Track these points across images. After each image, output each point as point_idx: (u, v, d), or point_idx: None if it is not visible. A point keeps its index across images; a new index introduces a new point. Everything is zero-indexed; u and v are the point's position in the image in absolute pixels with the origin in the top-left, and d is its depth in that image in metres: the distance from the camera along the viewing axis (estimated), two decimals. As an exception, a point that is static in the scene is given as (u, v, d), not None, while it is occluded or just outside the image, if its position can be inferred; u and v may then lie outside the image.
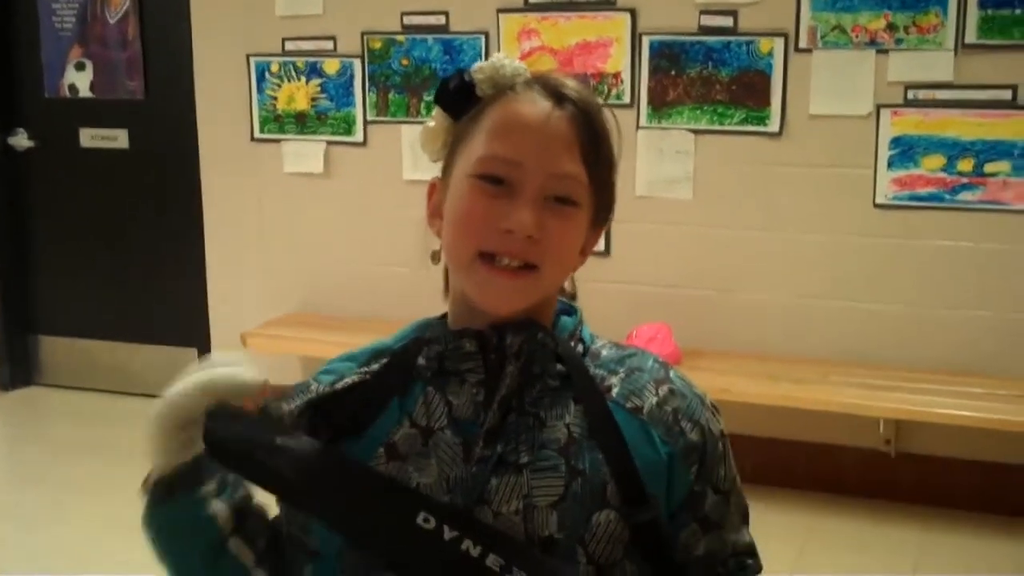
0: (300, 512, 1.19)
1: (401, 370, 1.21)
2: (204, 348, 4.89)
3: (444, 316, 1.25)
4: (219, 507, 1.21)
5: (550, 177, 1.14)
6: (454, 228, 1.17)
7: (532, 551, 1.10)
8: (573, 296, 1.28)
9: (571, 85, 1.18)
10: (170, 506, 1.20)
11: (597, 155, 1.17)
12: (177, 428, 1.18)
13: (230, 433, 1.17)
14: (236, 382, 1.20)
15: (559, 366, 1.17)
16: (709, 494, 1.19)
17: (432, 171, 1.27)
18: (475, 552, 1.07)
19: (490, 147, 1.15)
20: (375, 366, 1.22)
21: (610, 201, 1.22)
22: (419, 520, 1.09)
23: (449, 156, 1.21)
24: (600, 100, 1.22)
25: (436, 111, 1.23)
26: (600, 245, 4.02)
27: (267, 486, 1.19)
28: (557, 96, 1.16)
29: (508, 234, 1.12)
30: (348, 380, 1.21)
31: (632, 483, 1.13)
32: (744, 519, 1.25)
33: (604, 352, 1.23)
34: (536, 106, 1.16)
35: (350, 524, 1.13)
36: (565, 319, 1.23)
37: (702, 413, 1.20)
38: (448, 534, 1.08)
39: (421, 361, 1.20)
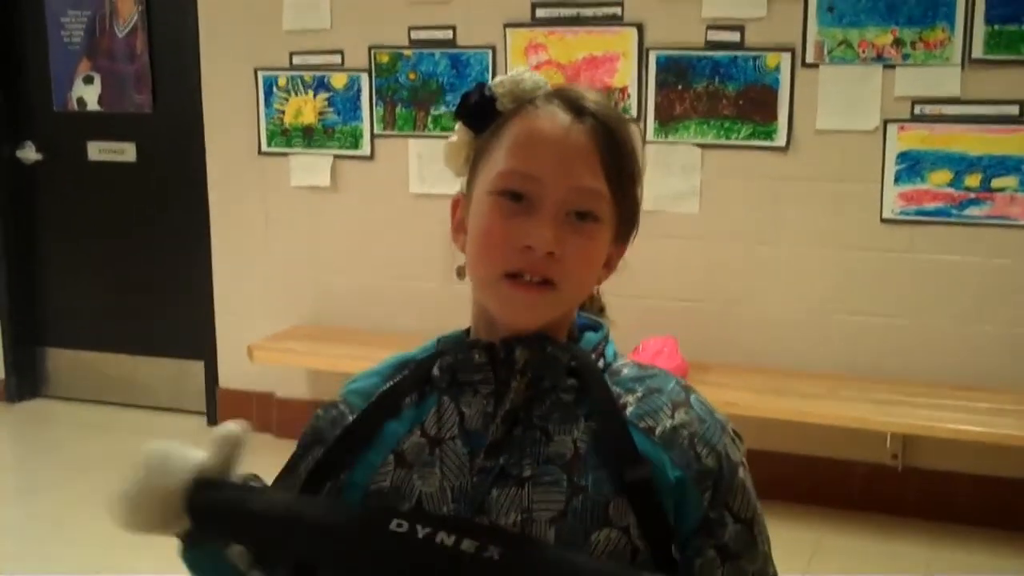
0: (290, 560, 1.19)
1: (417, 379, 1.21)
2: (211, 360, 4.90)
3: (469, 330, 1.25)
4: (235, 549, 1.21)
5: (570, 191, 1.13)
6: (476, 247, 1.17)
7: (508, 532, 1.10)
8: (601, 310, 1.27)
9: (591, 98, 1.17)
10: (189, 551, 1.21)
11: (619, 168, 1.16)
12: (149, 522, 1.17)
13: (211, 502, 1.16)
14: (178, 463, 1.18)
15: (571, 380, 1.17)
16: (729, 523, 1.15)
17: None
18: (449, 541, 1.05)
19: (509, 162, 1.14)
20: (399, 379, 1.23)
21: (634, 214, 1.22)
22: (392, 526, 1.08)
23: (472, 171, 1.21)
24: (623, 114, 1.21)
25: (458, 126, 1.22)
26: (607, 259, 4.05)
27: (251, 545, 1.19)
28: (577, 109, 1.15)
29: (528, 251, 1.12)
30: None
31: (661, 539, 1.11)
32: (768, 551, 1.20)
33: (625, 371, 1.21)
34: (555, 120, 1.15)
35: (328, 551, 1.12)
36: (590, 335, 1.23)
37: (720, 439, 1.17)
38: (421, 532, 1.07)
39: (435, 372, 1.20)
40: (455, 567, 1.05)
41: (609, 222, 1.17)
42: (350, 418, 1.22)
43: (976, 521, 3.79)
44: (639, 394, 1.18)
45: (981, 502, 3.81)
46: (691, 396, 1.20)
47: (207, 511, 1.16)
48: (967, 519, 3.80)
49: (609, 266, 1.22)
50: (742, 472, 1.18)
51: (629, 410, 1.16)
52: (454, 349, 1.20)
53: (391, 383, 1.23)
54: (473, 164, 1.21)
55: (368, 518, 1.12)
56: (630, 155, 1.18)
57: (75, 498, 4.12)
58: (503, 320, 1.16)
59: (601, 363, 1.20)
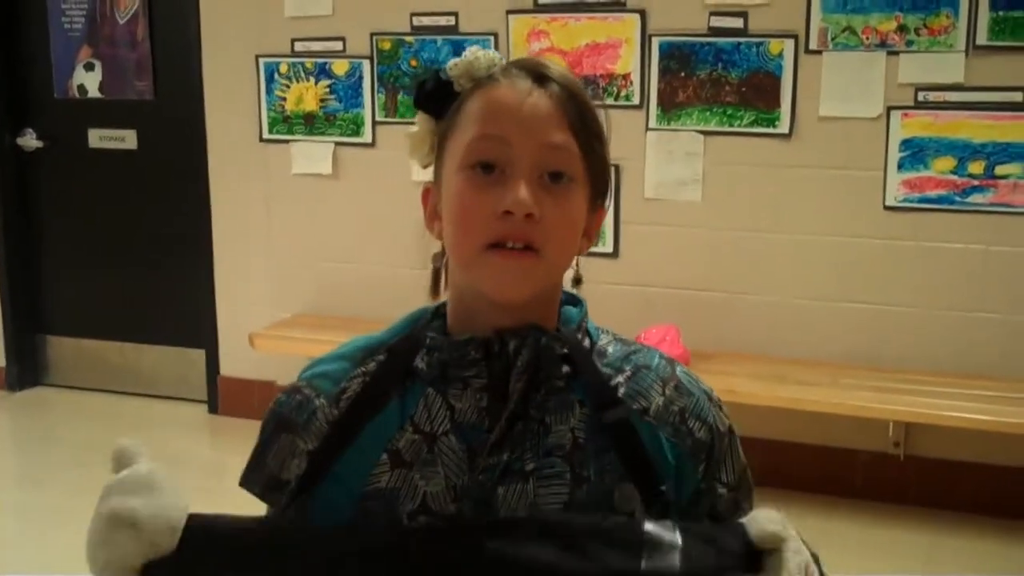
0: None
1: (399, 370, 1.18)
2: (212, 348, 4.89)
3: (439, 309, 1.22)
4: None
5: (540, 148, 1.11)
6: (455, 226, 1.14)
7: (506, 520, 1.09)
8: (579, 280, 1.25)
9: (552, 66, 1.16)
10: None
11: (585, 126, 1.14)
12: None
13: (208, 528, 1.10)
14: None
15: (565, 367, 1.16)
16: (720, 491, 1.19)
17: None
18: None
19: (476, 131, 1.13)
20: (372, 364, 1.20)
21: (606, 176, 1.20)
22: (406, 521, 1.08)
23: (438, 157, 1.20)
24: (583, 82, 1.20)
25: (418, 115, 1.21)
26: (609, 246, 4.04)
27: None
28: (537, 76, 1.14)
29: (507, 216, 1.10)
30: (351, 389, 1.19)
31: (649, 483, 1.13)
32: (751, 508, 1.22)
33: (610, 349, 1.21)
34: (516, 87, 1.14)
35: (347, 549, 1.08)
36: (570, 309, 1.22)
37: (709, 411, 1.19)
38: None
39: (421, 365, 1.17)
40: (456, 550, 1.04)
41: (582, 182, 1.15)
42: (317, 403, 1.19)
43: (978, 509, 3.79)
44: (628, 373, 1.18)
45: (983, 490, 3.81)
46: (677, 369, 1.21)
47: (202, 539, 1.08)
48: (969, 507, 3.80)
49: (589, 236, 1.20)
50: (731, 439, 1.21)
51: (620, 391, 1.17)
52: (445, 346, 1.17)
53: (368, 374, 1.20)
54: (439, 150, 1.19)
55: (377, 520, 1.10)
56: (594, 115, 1.17)
57: (76, 486, 4.12)
58: (492, 294, 1.13)
59: (587, 342, 1.20)
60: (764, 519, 1.06)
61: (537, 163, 1.11)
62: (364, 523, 1.14)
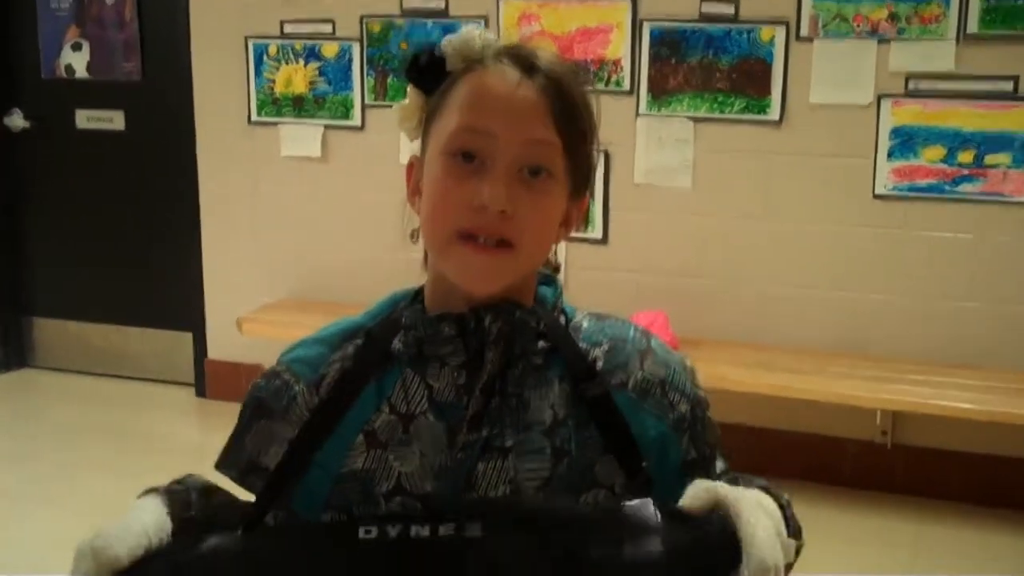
0: None
1: (377, 353, 1.18)
2: (199, 332, 4.88)
3: (418, 291, 1.23)
4: None
5: (522, 144, 1.11)
6: (430, 208, 1.15)
7: (483, 500, 1.10)
8: (556, 269, 1.26)
9: (542, 55, 1.16)
10: None
11: (570, 122, 1.14)
12: None
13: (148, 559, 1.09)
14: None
15: (541, 343, 1.16)
16: (718, 456, 1.22)
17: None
18: (425, 532, 1.04)
19: (460, 120, 1.13)
20: (350, 349, 1.20)
21: (588, 171, 1.20)
22: (361, 534, 1.05)
23: (424, 133, 1.20)
24: (574, 68, 1.19)
25: (409, 88, 1.21)
26: (598, 233, 4.03)
27: None
28: (527, 66, 1.14)
29: (482, 210, 1.10)
30: (330, 375, 1.19)
31: (630, 456, 1.13)
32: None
33: (584, 324, 1.22)
34: (505, 77, 1.13)
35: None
36: (544, 289, 1.22)
37: (686, 382, 1.20)
38: (393, 531, 1.05)
39: (398, 345, 1.17)
40: (437, 557, 1.03)
41: (562, 177, 1.15)
42: (296, 388, 1.19)
43: (965, 498, 3.80)
44: (605, 347, 1.19)
45: (970, 479, 3.82)
46: (652, 341, 1.22)
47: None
48: (956, 496, 3.81)
49: (567, 224, 1.20)
50: (707, 404, 1.23)
51: (599, 365, 1.17)
52: (420, 323, 1.17)
53: (342, 356, 1.19)
54: (425, 126, 1.19)
55: (334, 534, 1.08)
56: (581, 110, 1.17)
57: (62, 468, 4.11)
58: (462, 285, 1.14)
59: (562, 319, 1.21)
60: (696, 487, 1.08)
61: (518, 157, 1.12)
62: (340, 504, 1.14)
